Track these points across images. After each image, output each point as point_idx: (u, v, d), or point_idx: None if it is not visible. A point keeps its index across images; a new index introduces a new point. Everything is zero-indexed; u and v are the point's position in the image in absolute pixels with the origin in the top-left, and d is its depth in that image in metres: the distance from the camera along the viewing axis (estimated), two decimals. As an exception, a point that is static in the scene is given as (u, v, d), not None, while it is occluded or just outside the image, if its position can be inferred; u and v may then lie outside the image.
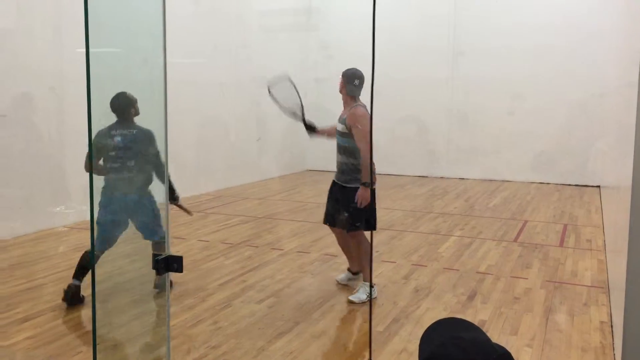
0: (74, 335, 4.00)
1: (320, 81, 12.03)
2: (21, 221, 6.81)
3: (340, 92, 4.75)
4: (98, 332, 2.48)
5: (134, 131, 4.56)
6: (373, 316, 4.39)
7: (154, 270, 4.03)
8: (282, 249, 6.40)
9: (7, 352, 3.78)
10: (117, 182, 4.57)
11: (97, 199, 4.16)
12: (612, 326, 4.20)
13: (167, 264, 2.26)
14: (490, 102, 11.87)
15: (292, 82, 4.84)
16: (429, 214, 8.43)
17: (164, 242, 4.98)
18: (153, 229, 4.58)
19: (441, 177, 12.22)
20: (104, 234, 4.36)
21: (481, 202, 9.61)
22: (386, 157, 12.68)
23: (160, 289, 3.95)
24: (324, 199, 5.06)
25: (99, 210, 4.35)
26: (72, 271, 4.67)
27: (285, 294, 4.93)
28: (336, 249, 6.38)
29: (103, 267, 3.90)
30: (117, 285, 3.51)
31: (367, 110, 4.61)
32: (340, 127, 4.73)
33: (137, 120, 4.52)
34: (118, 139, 4.54)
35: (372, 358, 3.69)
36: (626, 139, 3.32)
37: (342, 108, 4.80)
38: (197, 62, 9.32)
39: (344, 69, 4.76)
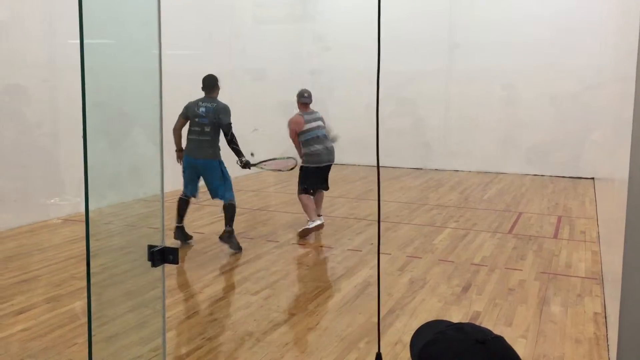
0: (69, 328, 3.99)
1: (315, 73, 12.00)
2: (15, 213, 6.77)
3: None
4: (93, 324, 2.47)
5: (214, 105, 5.89)
6: (367, 308, 4.41)
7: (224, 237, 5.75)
8: (278, 241, 6.40)
9: (2, 344, 3.77)
10: (194, 146, 5.86)
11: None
12: (605, 317, 4.23)
13: (162, 255, 2.25)
14: (485, 94, 11.87)
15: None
16: (424, 206, 8.45)
17: (233, 204, 5.99)
18: (217, 190, 5.90)
19: (436, 169, 12.23)
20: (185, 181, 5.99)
21: (476, 194, 9.63)
22: (381, 149, 12.67)
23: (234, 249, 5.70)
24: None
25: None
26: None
27: (281, 286, 4.93)
28: (329, 240, 6.39)
29: (97, 259, 3.88)
30: (112, 277, 3.49)
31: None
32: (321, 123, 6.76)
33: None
34: (202, 109, 5.86)
35: (368, 349, 3.70)
36: (623, 132, 3.32)
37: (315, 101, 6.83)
38: (191, 53, 9.26)
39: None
